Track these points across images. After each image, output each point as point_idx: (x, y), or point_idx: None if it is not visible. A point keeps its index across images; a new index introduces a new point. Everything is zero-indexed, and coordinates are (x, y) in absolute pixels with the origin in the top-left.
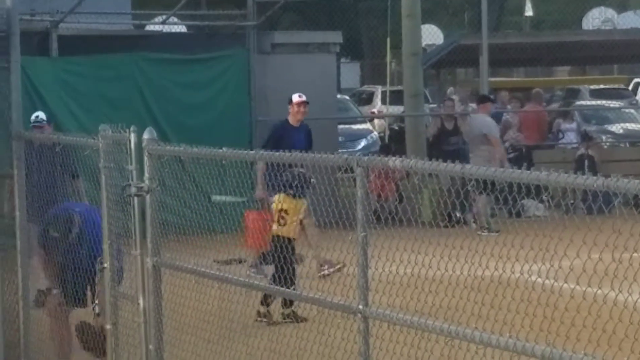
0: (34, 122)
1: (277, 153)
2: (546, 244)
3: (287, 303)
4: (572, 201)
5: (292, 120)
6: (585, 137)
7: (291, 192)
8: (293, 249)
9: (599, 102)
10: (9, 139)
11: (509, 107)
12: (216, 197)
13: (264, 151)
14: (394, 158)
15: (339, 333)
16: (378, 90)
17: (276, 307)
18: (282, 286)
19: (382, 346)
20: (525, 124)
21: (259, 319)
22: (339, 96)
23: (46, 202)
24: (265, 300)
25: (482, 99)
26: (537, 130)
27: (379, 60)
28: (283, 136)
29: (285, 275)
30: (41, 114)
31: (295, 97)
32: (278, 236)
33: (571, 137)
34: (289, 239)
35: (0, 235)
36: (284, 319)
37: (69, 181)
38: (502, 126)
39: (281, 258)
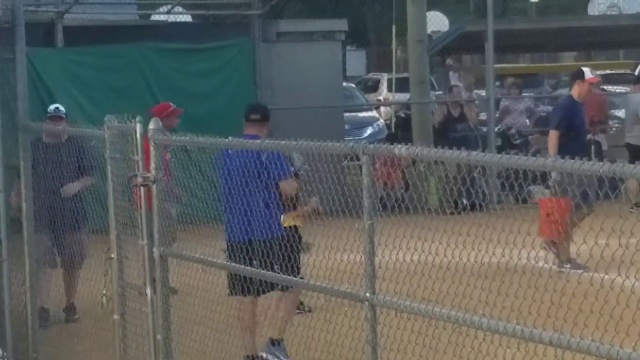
0: (53, 113)
1: (281, 142)
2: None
3: None
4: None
5: (580, 96)
6: (592, 123)
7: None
8: (300, 237)
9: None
10: (15, 131)
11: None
12: None
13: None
14: (399, 146)
15: (346, 321)
16: (384, 77)
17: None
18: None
19: (390, 334)
20: (588, 108)
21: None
22: (344, 84)
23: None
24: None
25: (638, 79)
26: (599, 114)
27: (385, 48)
28: (574, 113)
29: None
30: (61, 107)
31: (589, 74)
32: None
33: None
34: (295, 227)
35: (9, 227)
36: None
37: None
38: (501, 112)
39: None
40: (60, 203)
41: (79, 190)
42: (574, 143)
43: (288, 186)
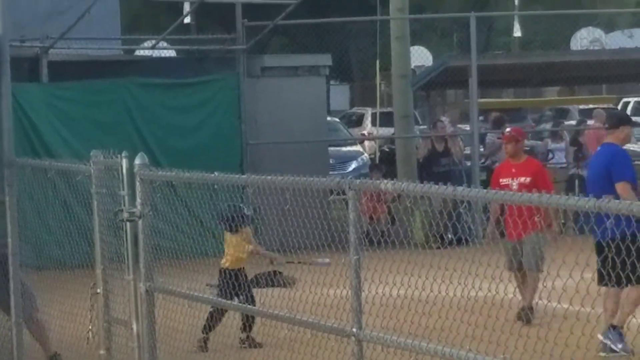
0: None
1: (267, 177)
2: None
3: (245, 328)
4: (563, 222)
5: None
6: (576, 157)
7: (226, 226)
8: (245, 277)
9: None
10: (1, 166)
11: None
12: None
13: None
14: (385, 181)
15: (332, 356)
16: (368, 112)
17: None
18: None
19: None
20: (589, 143)
21: (242, 345)
22: (329, 118)
23: None
24: (245, 326)
25: None
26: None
27: (369, 82)
28: None
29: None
30: None
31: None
32: (225, 270)
33: (561, 157)
34: (238, 269)
35: None
36: (241, 343)
37: None
38: (491, 146)
39: (234, 290)
40: None
41: None
42: None
43: (622, 190)
